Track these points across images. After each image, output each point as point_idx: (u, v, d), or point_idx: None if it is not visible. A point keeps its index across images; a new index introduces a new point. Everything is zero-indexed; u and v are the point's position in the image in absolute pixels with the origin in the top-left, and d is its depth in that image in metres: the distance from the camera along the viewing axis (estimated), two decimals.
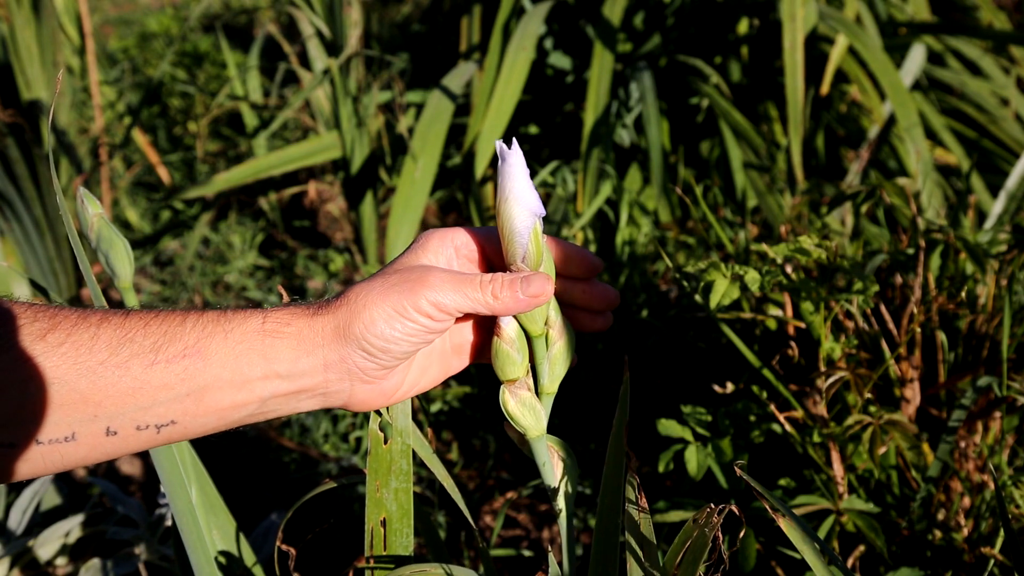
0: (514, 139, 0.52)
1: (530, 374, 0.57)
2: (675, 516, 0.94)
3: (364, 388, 0.54)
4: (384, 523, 0.61)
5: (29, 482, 1.20)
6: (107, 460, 0.51)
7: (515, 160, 0.51)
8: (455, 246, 0.56)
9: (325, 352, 0.51)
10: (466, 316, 0.56)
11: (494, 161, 1.87)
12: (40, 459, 0.48)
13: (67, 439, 0.48)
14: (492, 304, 0.52)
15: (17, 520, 1.13)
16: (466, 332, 0.59)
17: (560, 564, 0.61)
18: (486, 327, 0.59)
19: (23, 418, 0.46)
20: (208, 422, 0.51)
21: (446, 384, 1.59)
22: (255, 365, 0.50)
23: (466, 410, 1.52)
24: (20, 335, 0.47)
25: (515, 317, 0.54)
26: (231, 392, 0.50)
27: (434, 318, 0.51)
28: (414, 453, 0.62)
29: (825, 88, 1.74)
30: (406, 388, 0.57)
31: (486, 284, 0.52)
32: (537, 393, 0.57)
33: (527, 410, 0.56)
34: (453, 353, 0.59)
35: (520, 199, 0.51)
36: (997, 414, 0.94)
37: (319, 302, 0.53)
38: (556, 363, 0.56)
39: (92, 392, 0.47)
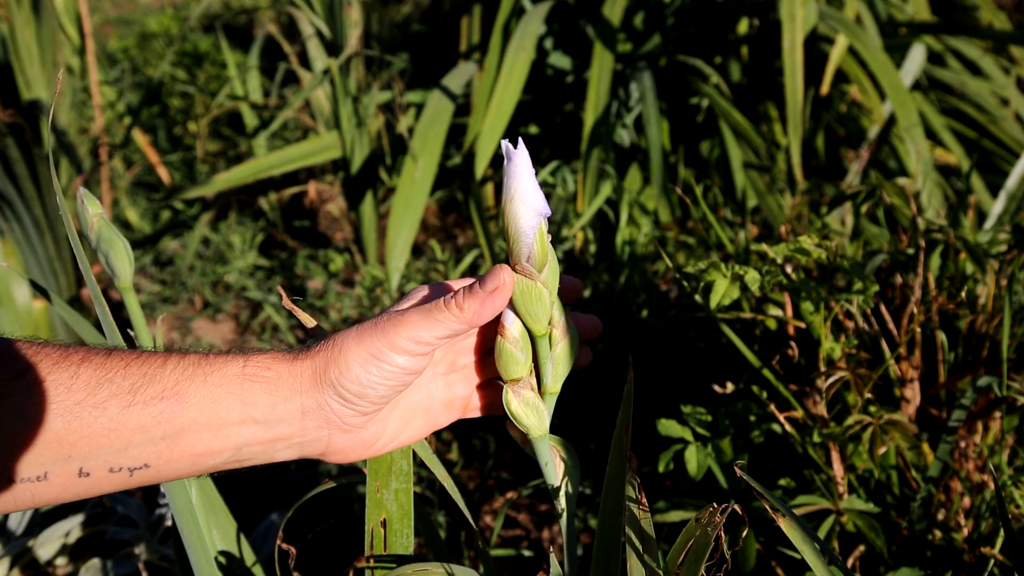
0: (519, 139, 0.52)
1: (533, 374, 0.57)
2: (675, 516, 0.94)
3: (343, 437, 0.53)
4: (384, 523, 0.61)
5: None
6: (76, 499, 0.50)
7: (521, 160, 0.51)
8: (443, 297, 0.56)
9: (303, 399, 0.51)
10: (453, 364, 0.57)
11: (494, 161, 1.88)
12: (11, 497, 0.47)
13: (39, 478, 0.47)
14: (461, 316, 0.52)
15: (17, 520, 1.13)
16: (456, 388, 0.59)
17: (561, 564, 0.61)
18: (474, 383, 0.60)
19: None
20: (181, 467, 0.50)
21: None
22: (232, 409, 0.50)
23: None
24: None
25: (519, 317, 0.54)
26: (207, 437, 0.50)
27: (413, 353, 0.51)
28: (414, 453, 0.62)
29: (825, 88, 1.74)
30: (386, 439, 0.56)
31: (449, 301, 0.52)
32: (540, 393, 0.57)
33: (530, 410, 0.56)
34: (442, 408, 0.59)
35: (526, 199, 0.51)
36: (997, 414, 0.94)
37: (300, 348, 0.53)
38: (559, 363, 0.56)
39: (67, 432, 0.47)
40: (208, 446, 0.50)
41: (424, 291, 0.56)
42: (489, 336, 0.59)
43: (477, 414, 0.61)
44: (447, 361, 0.59)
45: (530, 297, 0.53)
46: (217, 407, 0.50)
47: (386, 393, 0.52)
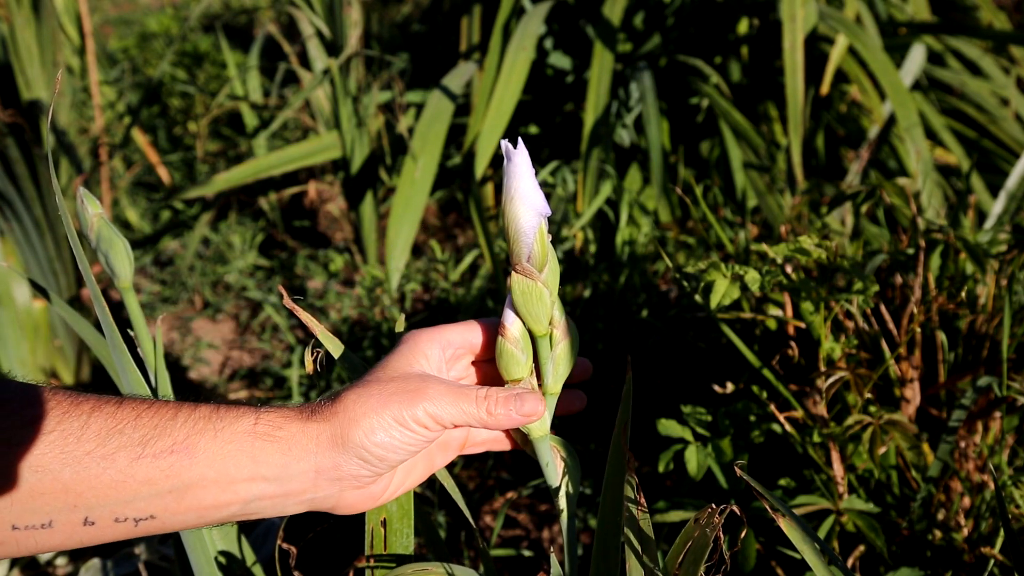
0: (519, 139, 0.52)
1: (534, 374, 0.57)
2: (675, 516, 0.94)
3: (353, 494, 0.54)
4: (384, 523, 0.61)
5: None
6: (80, 547, 0.50)
7: (521, 160, 0.51)
8: (442, 345, 0.57)
9: (317, 459, 0.51)
10: None
11: (494, 161, 1.88)
12: (14, 543, 0.47)
13: (44, 526, 0.47)
14: (486, 420, 0.53)
15: None
16: (454, 431, 0.60)
17: (561, 564, 0.61)
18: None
19: (1, 504, 0.46)
20: (188, 519, 0.50)
21: None
22: (243, 467, 0.50)
23: None
24: (7, 422, 0.46)
25: (519, 317, 0.54)
26: (215, 492, 0.50)
27: (430, 428, 0.52)
28: None
29: (825, 88, 1.74)
30: (393, 489, 0.57)
31: (481, 400, 0.53)
32: (541, 393, 0.57)
33: None
34: (438, 450, 0.60)
35: (526, 199, 0.51)
36: (997, 414, 0.94)
37: (312, 405, 0.53)
38: (560, 363, 0.56)
39: (75, 483, 0.47)
40: (216, 500, 0.50)
41: (422, 338, 0.56)
42: (478, 377, 0.61)
43: (475, 451, 0.63)
44: None
45: (531, 297, 0.53)
46: (227, 464, 0.50)
47: (407, 457, 0.53)
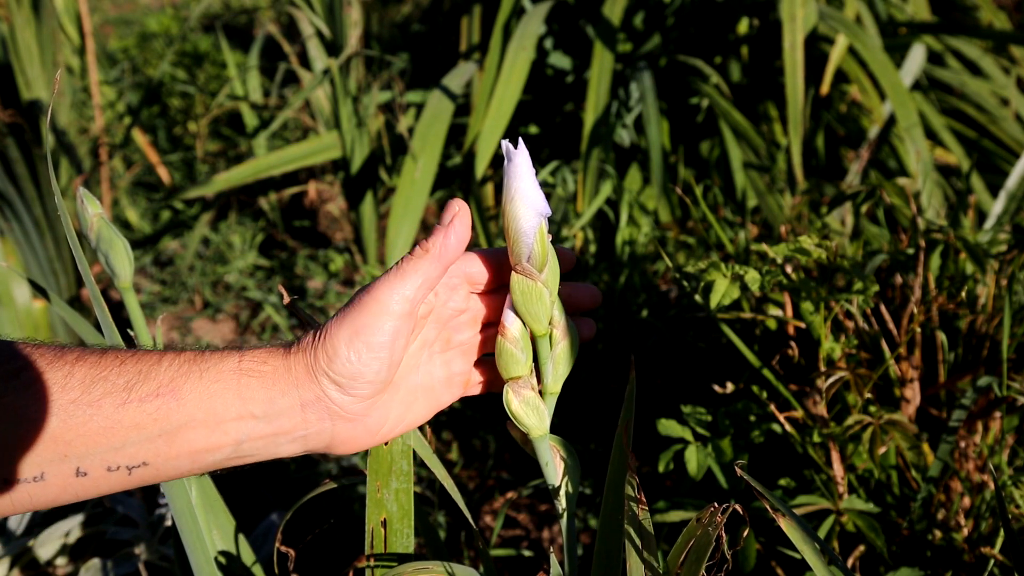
0: (520, 139, 0.52)
1: (533, 373, 0.57)
2: (675, 516, 0.94)
3: (346, 427, 0.53)
4: (384, 523, 0.61)
5: None
6: (77, 502, 0.50)
7: (521, 160, 0.51)
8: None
9: (300, 392, 0.51)
10: (448, 342, 0.57)
11: (494, 161, 1.88)
12: (8, 500, 0.47)
13: (36, 479, 0.47)
14: (428, 255, 0.51)
15: (17, 520, 1.13)
16: (455, 365, 0.58)
17: (561, 564, 0.61)
18: (472, 359, 0.59)
19: None
20: (181, 465, 0.50)
21: None
22: (230, 405, 0.49)
23: (466, 410, 1.52)
24: None
25: (519, 317, 0.54)
26: (205, 433, 0.49)
27: (394, 315, 0.51)
28: (414, 453, 0.62)
29: (825, 88, 1.74)
30: (391, 424, 0.55)
31: (414, 249, 0.52)
32: (540, 392, 0.57)
33: (530, 409, 0.56)
34: (443, 387, 0.58)
35: (526, 199, 0.51)
36: (997, 414, 0.94)
37: (296, 340, 0.53)
38: (560, 362, 0.56)
39: (62, 432, 0.46)
40: (206, 442, 0.49)
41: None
42: (481, 310, 0.59)
43: (479, 391, 0.61)
44: (442, 340, 0.58)
45: (531, 297, 0.53)
46: (214, 403, 0.49)
47: (379, 369, 0.51)
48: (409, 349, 0.55)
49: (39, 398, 0.46)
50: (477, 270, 0.57)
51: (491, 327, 0.59)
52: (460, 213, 0.52)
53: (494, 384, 0.61)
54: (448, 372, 0.58)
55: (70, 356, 0.48)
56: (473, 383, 0.60)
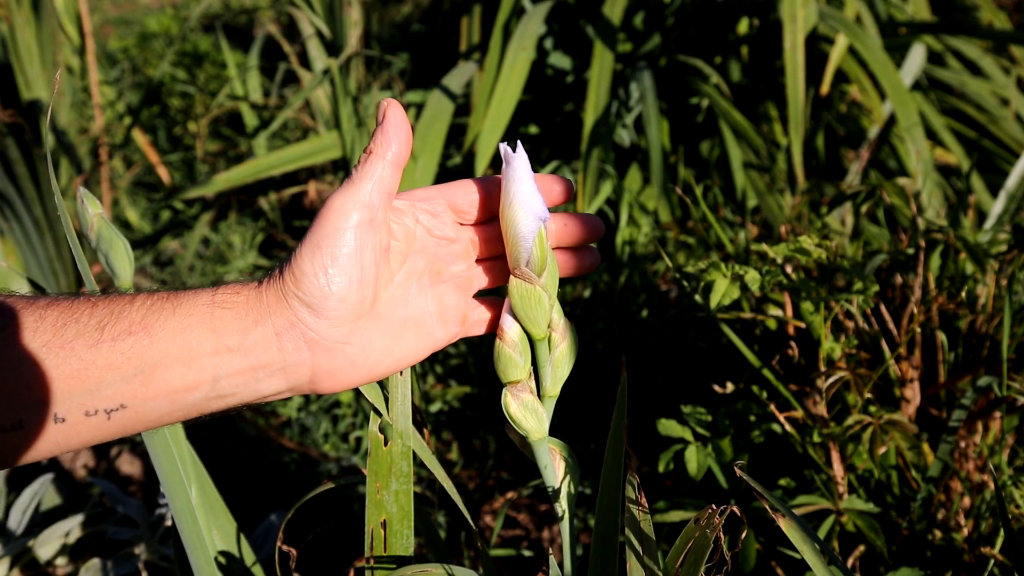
0: (519, 142, 0.52)
1: (532, 376, 0.57)
2: (675, 516, 0.94)
3: (326, 357, 0.51)
4: (384, 524, 0.61)
5: (29, 481, 1.20)
6: (61, 453, 0.49)
7: (520, 163, 0.51)
8: (408, 200, 0.54)
9: (274, 320, 0.49)
10: (439, 275, 0.55)
11: (494, 161, 1.87)
12: None
13: (13, 427, 0.46)
14: (374, 155, 0.50)
15: (17, 520, 1.13)
16: (448, 299, 0.56)
17: (560, 564, 0.61)
18: (468, 294, 0.57)
19: None
20: (160, 406, 0.49)
21: (446, 384, 1.59)
22: (204, 340, 0.48)
23: (466, 410, 1.52)
24: None
25: (517, 320, 0.54)
26: (181, 371, 0.48)
27: (355, 224, 0.49)
28: (414, 453, 0.62)
29: (825, 88, 1.74)
30: (378, 357, 0.53)
31: (361, 156, 0.51)
32: (539, 395, 0.57)
33: (529, 412, 0.56)
34: (436, 322, 0.55)
35: (525, 203, 0.51)
36: (997, 414, 0.94)
37: (269, 271, 0.51)
38: (559, 366, 0.56)
39: (35, 377, 0.46)
40: (183, 380, 0.48)
41: None
42: (474, 241, 0.57)
43: (481, 330, 0.58)
44: (431, 271, 0.55)
45: (529, 301, 0.53)
46: (188, 338, 0.48)
47: (348, 287, 0.50)
48: (395, 279, 0.54)
49: (11, 343, 0.46)
50: (462, 198, 0.55)
51: (486, 261, 0.57)
52: (390, 106, 0.51)
53: (495, 324, 0.58)
54: (440, 306, 0.56)
55: (40, 302, 0.48)
56: (472, 321, 0.58)
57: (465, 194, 0.55)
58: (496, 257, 0.58)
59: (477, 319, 0.58)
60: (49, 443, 0.47)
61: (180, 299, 0.49)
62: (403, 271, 0.54)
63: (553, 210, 0.58)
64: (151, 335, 0.48)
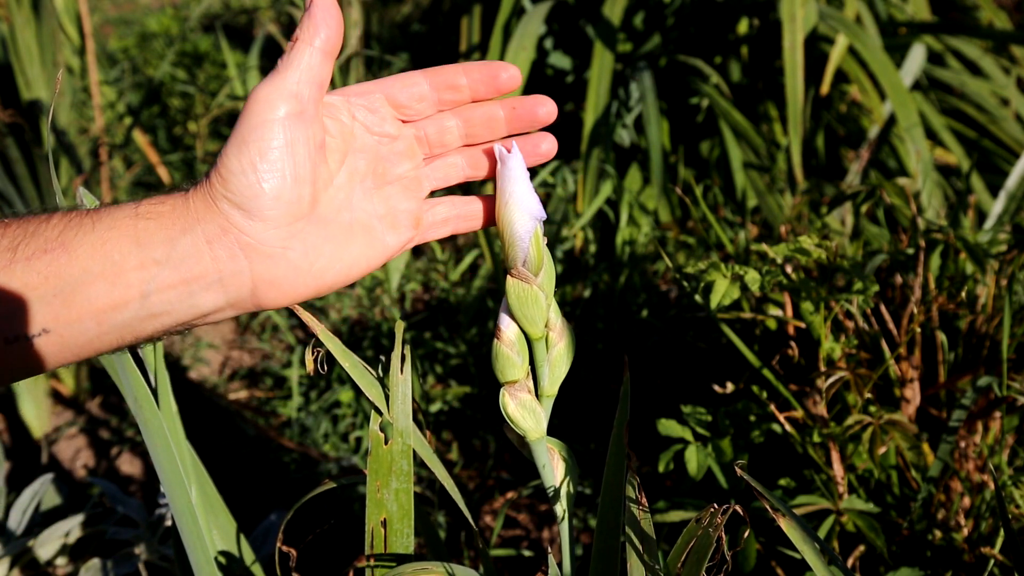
0: (514, 142, 0.52)
1: (530, 376, 0.57)
2: (675, 516, 0.94)
3: (266, 265, 0.47)
4: (384, 523, 0.61)
5: (29, 481, 1.20)
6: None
7: (515, 164, 0.51)
8: (345, 95, 0.51)
9: (203, 226, 0.46)
10: (384, 176, 0.52)
11: None
12: None
13: None
14: (300, 41, 0.47)
15: (17, 520, 1.13)
16: (397, 201, 0.53)
17: (560, 564, 0.61)
18: (421, 195, 0.54)
19: None
20: (87, 329, 0.45)
21: (446, 384, 1.59)
22: (128, 253, 0.45)
23: (466, 410, 1.52)
24: None
25: (515, 320, 0.54)
26: (105, 288, 0.44)
27: (284, 116, 0.46)
28: (414, 453, 0.62)
29: (825, 88, 1.74)
30: (324, 263, 0.49)
31: (288, 44, 0.48)
32: (537, 395, 0.57)
33: (527, 412, 0.56)
34: (386, 226, 0.52)
35: (521, 203, 0.51)
36: (997, 414, 0.94)
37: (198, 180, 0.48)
38: (556, 365, 0.57)
39: None
40: (109, 298, 0.45)
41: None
42: (421, 139, 0.54)
43: (442, 232, 0.55)
44: (374, 173, 0.52)
45: (526, 301, 0.53)
46: (110, 252, 0.45)
47: (280, 185, 0.46)
48: (335, 181, 0.50)
49: None
50: (402, 92, 0.52)
51: (437, 160, 0.54)
52: None
53: (460, 223, 0.56)
54: (389, 209, 0.52)
55: None
56: (428, 224, 0.54)
57: (404, 87, 0.52)
58: (446, 155, 0.54)
59: (433, 221, 0.55)
60: None
61: (100, 214, 0.46)
62: (344, 172, 0.51)
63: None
64: (69, 252, 0.44)
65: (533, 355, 0.56)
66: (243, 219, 0.46)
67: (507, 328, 0.54)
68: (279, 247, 0.47)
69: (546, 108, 0.52)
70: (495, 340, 0.55)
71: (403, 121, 0.53)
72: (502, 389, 0.56)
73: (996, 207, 1.31)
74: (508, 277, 0.53)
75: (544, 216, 0.52)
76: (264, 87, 0.47)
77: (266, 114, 0.46)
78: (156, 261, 0.45)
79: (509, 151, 0.51)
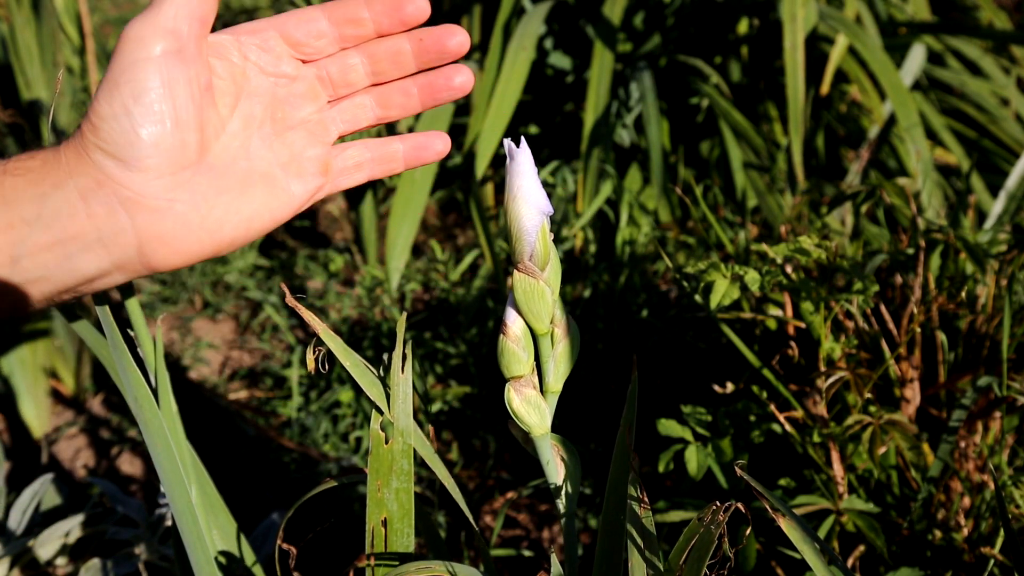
0: (522, 138, 0.52)
1: (535, 372, 0.57)
2: (675, 516, 0.94)
3: (151, 220, 0.43)
4: (385, 523, 0.61)
5: (29, 481, 1.20)
6: None
7: (523, 158, 0.51)
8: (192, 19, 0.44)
9: (76, 180, 0.41)
10: (284, 121, 0.48)
11: (494, 161, 1.88)
12: None
13: None
14: None
15: (17, 520, 1.13)
16: (300, 147, 0.49)
17: (562, 564, 0.61)
18: (328, 139, 0.50)
19: None
20: None
21: (446, 384, 1.59)
22: None
23: (466, 410, 1.52)
24: None
25: (521, 315, 0.54)
26: None
27: (164, 53, 0.42)
28: (414, 452, 0.62)
29: (825, 88, 1.74)
30: (219, 215, 0.45)
31: None
32: (541, 391, 0.57)
33: (532, 408, 0.56)
34: (291, 175, 0.48)
35: (528, 197, 0.51)
36: (997, 414, 0.94)
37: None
38: (561, 361, 0.57)
39: None
40: None
41: None
42: (324, 80, 0.50)
43: (357, 178, 0.51)
44: (272, 118, 0.48)
45: (533, 295, 0.53)
46: None
47: (160, 132, 0.42)
48: (228, 127, 0.46)
49: None
50: (298, 29, 0.48)
51: (343, 101, 0.50)
52: None
53: (375, 166, 0.52)
54: (292, 156, 0.48)
55: None
56: (339, 169, 0.51)
57: (301, 23, 0.48)
58: (353, 95, 0.51)
59: (344, 167, 0.51)
60: None
61: None
62: (237, 118, 0.47)
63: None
64: None
65: (538, 351, 0.56)
66: (119, 170, 0.42)
67: (513, 323, 0.54)
68: (164, 199, 0.43)
69: (456, 39, 0.49)
70: (501, 335, 0.55)
71: (303, 61, 0.49)
72: (507, 384, 0.56)
73: (996, 207, 1.31)
74: (515, 271, 0.53)
75: (551, 211, 0.52)
76: (136, 23, 0.42)
77: (139, 52, 0.41)
78: (25, 220, 0.41)
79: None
